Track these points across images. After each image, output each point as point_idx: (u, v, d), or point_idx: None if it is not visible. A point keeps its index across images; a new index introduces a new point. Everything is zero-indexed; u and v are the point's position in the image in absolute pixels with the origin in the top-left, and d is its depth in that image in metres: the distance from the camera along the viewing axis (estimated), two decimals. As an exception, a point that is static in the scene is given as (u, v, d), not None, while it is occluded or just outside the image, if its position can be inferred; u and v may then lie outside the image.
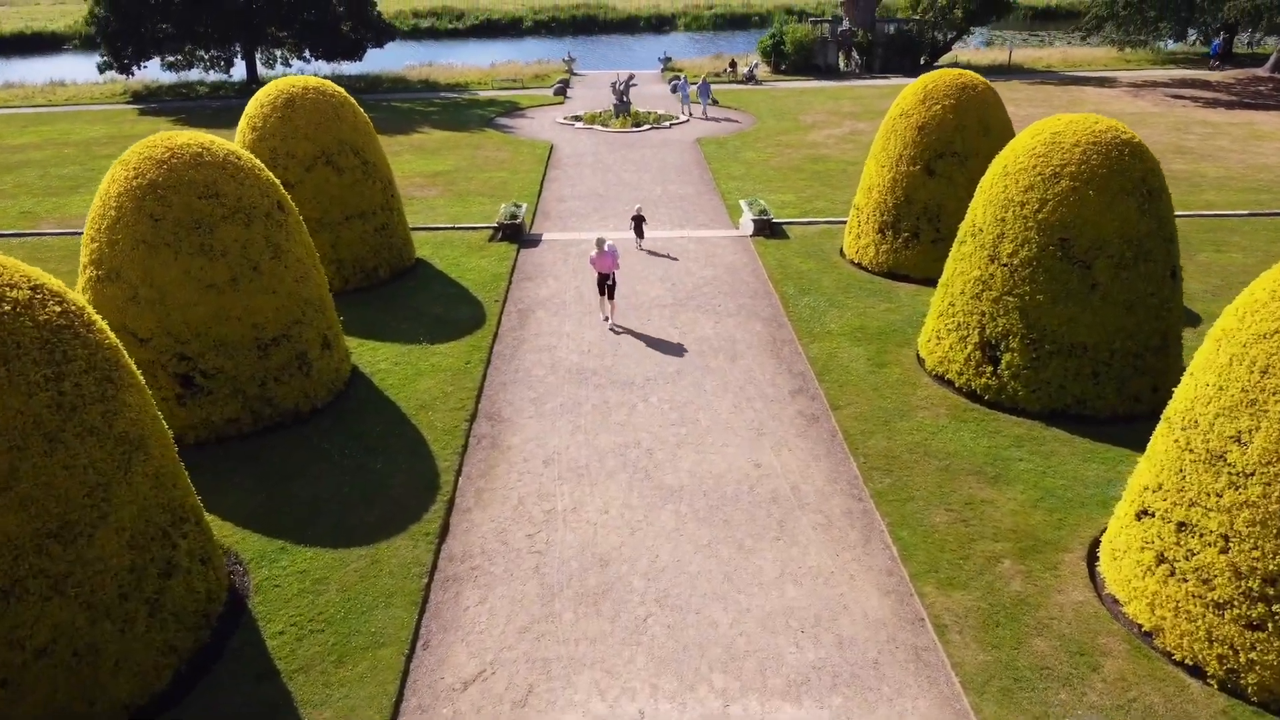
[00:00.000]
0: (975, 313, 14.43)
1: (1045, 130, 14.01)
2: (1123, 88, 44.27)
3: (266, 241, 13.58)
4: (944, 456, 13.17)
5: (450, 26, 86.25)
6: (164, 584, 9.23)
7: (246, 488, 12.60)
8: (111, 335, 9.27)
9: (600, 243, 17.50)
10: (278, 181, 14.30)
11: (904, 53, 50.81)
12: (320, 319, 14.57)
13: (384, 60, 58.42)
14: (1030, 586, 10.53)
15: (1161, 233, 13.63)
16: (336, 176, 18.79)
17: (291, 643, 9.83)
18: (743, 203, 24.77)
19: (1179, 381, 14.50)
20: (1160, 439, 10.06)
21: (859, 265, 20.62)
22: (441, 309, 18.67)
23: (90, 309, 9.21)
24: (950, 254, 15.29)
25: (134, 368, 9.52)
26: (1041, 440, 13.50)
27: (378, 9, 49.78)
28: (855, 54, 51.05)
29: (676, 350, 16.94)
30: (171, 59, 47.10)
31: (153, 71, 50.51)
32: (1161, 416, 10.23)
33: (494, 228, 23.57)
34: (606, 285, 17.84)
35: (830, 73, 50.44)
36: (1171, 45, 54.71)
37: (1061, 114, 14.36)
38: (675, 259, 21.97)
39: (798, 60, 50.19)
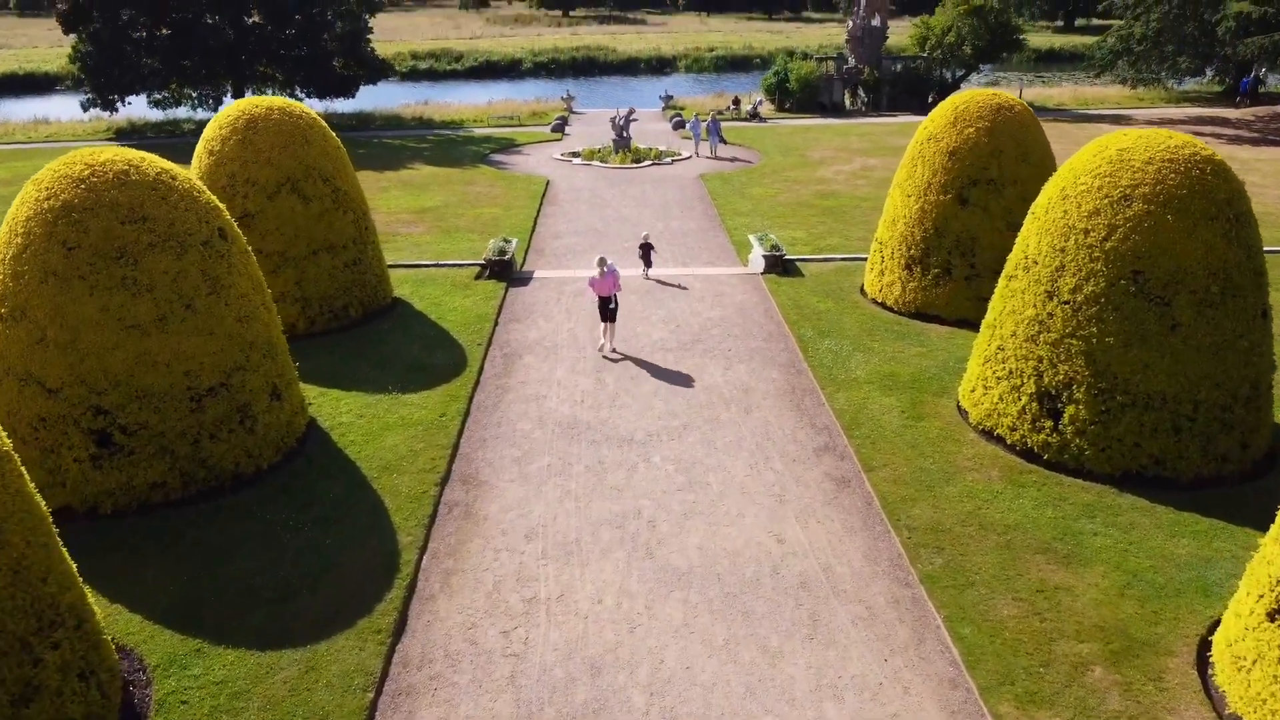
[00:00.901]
0: (1031, 358, 12.39)
1: (1110, 147, 12.11)
2: (1140, 125, 42.73)
3: (203, 274, 11.59)
4: (1003, 530, 11.05)
5: (449, 68, 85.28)
6: (19, 714, 7.07)
7: (166, 569, 10.44)
8: (-39, 388, 7.23)
9: (602, 262, 16.16)
10: (220, 205, 12.36)
11: (911, 90, 49.69)
12: (269, 365, 12.53)
13: (379, 100, 57.12)
14: (1132, 704, 8.36)
15: (1251, 265, 11.68)
16: (303, 205, 16.87)
17: (192, 783, 7.64)
18: (752, 238, 22.86)
19: (1272, 438, 12.57)
20: (1297, 518, 7.97)
21: (883, 305, 18.62)
22: (417, 353, 16.62)
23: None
24: (997, 290, 13.31)
25: (-3, 430, 7.48)
26: (1116, 509, 11.39)
27: (372, 46, 48.47)
28: (861, 92, 49.76)
29: (682, 400, 14.87)
30: (158, 96, 45.75)
31: (139, 109, 49.12)
32: (1296, 489, 8.14)
33: (481, 264, 21.65)
34: (608, 309, 16.34)
35: (836, 110, 49.05)
36: (1184, 85, 53.39)
37: (1128, 129, 12.47)
38: (685, 288, 20.23)
39: (802, 98, 48.86)
